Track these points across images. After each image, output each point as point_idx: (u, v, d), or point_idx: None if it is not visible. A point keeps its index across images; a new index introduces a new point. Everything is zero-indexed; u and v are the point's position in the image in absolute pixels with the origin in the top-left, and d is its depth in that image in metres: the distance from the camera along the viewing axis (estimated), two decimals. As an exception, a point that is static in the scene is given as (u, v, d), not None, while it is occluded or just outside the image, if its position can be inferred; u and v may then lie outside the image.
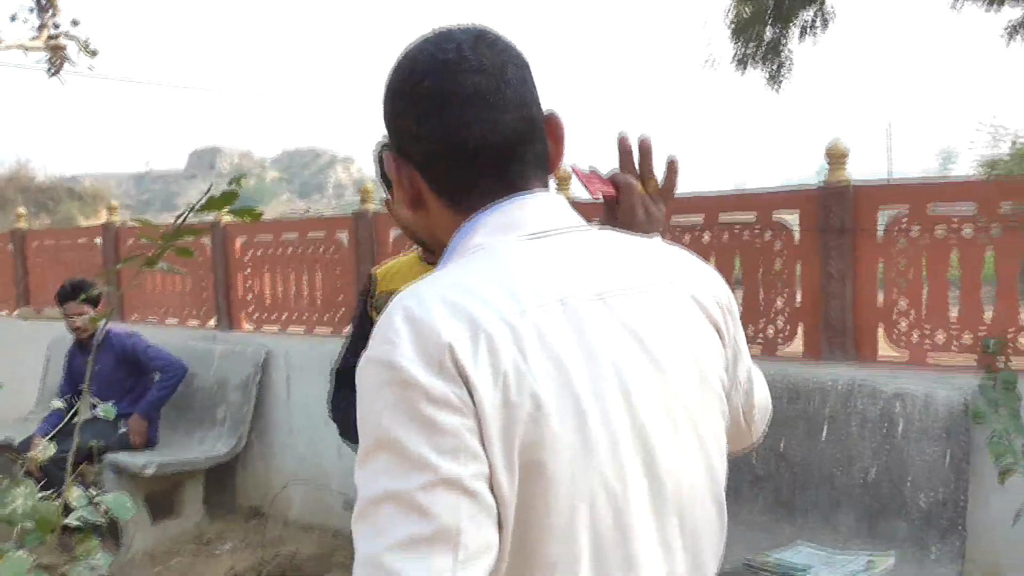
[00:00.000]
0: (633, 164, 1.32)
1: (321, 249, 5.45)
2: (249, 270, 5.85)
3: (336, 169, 76.66)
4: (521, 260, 1.00)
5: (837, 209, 3.81)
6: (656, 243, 1.14)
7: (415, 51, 1.06)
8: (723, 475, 1.09)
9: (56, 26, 12.66)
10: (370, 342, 0.93)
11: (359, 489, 0.89)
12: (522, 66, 1.07)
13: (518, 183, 1.05)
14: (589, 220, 1.11)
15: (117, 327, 5.54)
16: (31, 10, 12.34)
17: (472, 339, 0.90)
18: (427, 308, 0.92)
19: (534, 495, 0.90)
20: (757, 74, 11.32)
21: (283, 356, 5.49)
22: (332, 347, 5.27)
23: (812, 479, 3.58)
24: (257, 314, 5.83)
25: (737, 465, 3.54)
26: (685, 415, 1.02)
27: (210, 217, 5.88)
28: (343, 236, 5.33)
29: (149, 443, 5.30)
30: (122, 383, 5.23)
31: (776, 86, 11.39)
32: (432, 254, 1.23)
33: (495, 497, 0.88)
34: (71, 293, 5.16)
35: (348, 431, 2.37)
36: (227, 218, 5.93)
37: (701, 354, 1.06)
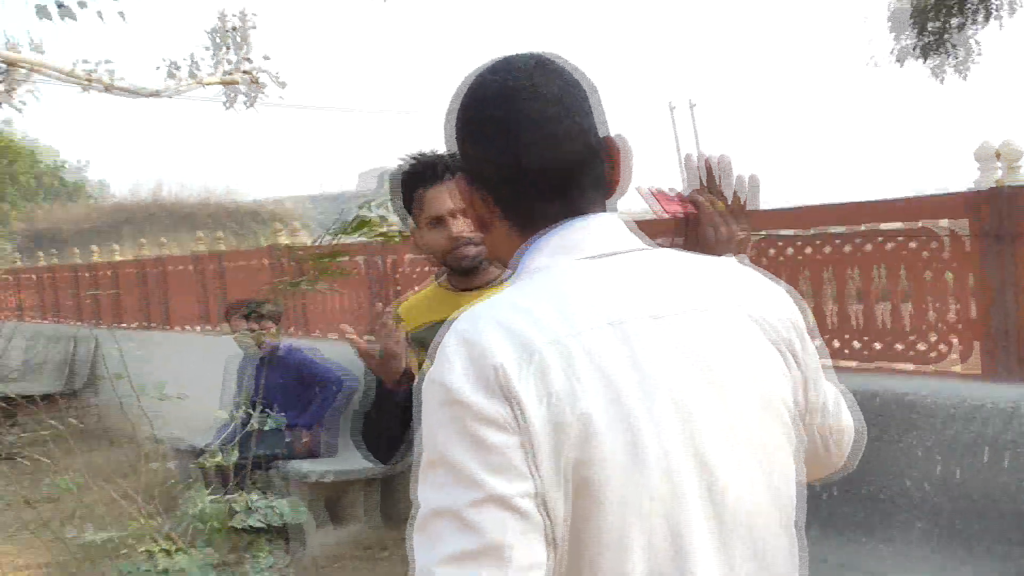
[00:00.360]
0: (705, 183, 1.33)
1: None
2: (399, 288, 6.09)
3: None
4: (577, 282, 1.03)
5: (1010, 213, 3.56)
6: (721, 263, 1.15)
7: (481, 78, 1.11)
8: (792, 505, 1.07)
9: (249, 60, 13.62)
10: (428, 363, 0.99)
11: (419, 503, 0.95)
12: (581, 92, 1.11)
13: (578, 206, 1.09)
14: (657, 239, 1.13)
15: (291, 342, 5.89)
16: (222, 49, 13.34)
17: (522, 360, 0.94)
18: (480, 330, 0.97)
19: (587, 512, 0.93)
20: (922, 67, 10.88)
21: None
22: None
23: (974, 506, 3.35)
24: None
25: (891, 489, 3.35)
26: (748, 441, 1.01)
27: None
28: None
29: (311, 453, 5.59)
30: (294, 395, 5.54)
31: (961, 74, 10.92)
32: (461, 279, 1.41)
33: (547, 515, 0.92)
34: (246, 310, 5.55)
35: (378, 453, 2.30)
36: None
37: (763, 377, 1.04)
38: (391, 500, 5.73)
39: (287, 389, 5.51)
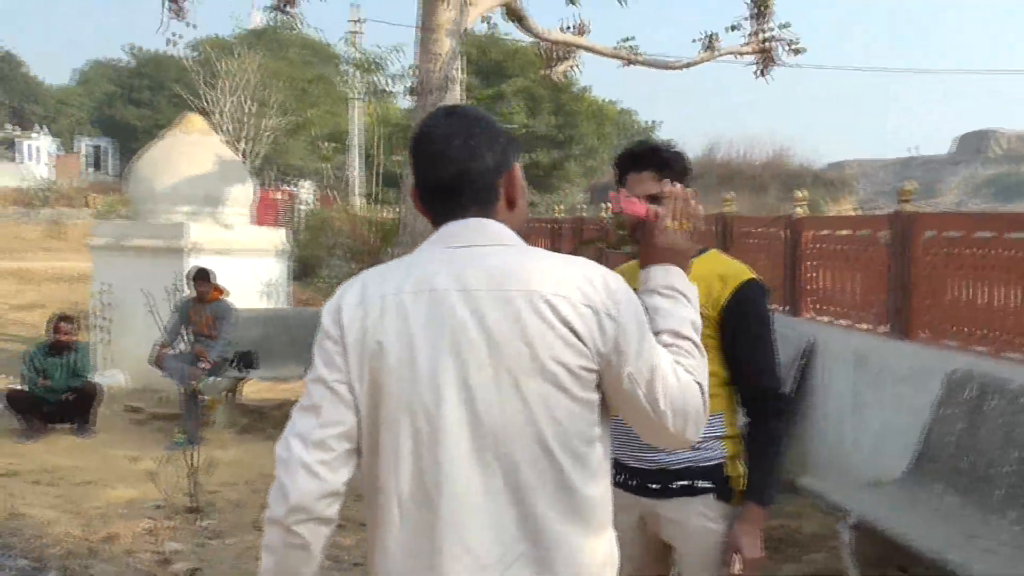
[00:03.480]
0: (678, 207, 1.84)
1: (863, 247, 5.61)
2: (813, 262, 6.25)
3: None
4: (425, 261, 1.59)
5: None
6: (550, 259, 1.58)
7: (420, 123, 1.69)
8: (549, 428, 1.50)
9: (769, 30, 14.12)
10: None
11: None
12: (479, 134, 1.61)
13: (457, 212, 1.61)
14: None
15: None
16: (746, 19, 13.99)
17: (356, 304, 1.57)
18: (351, 283, 1.62)
19: (376, 401, 1.53)
20: None
21: (824, 345, 5.82)
22: (860, 341, 5.46)
23: None
24: (815, 304, 6.23)
25: None
26: (509, 379, 1.50)
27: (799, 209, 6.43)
28: (881, 234, 5.42)
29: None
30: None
31: None
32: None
33: (352, 394, 1.54)
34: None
35: None
36: (801, 211, 6.43)
37: (539, 343, 1.49)
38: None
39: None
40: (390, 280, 1.57)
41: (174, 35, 22.61)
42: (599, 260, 1.72)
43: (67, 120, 47.57)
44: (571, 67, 14.80)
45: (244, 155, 29.76)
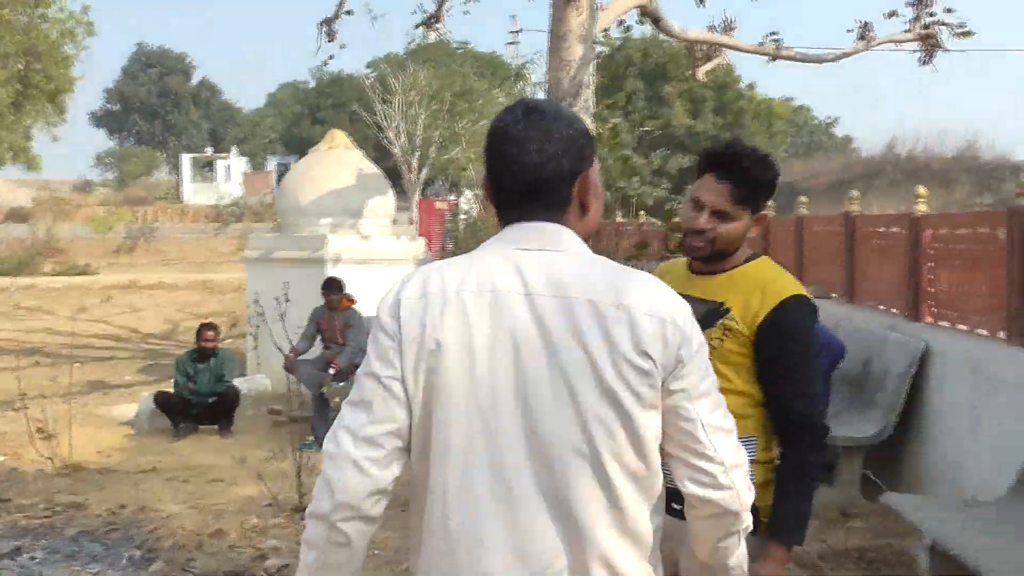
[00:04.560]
0: None
1: (983, 245, 5.16)
2: (932, 264, 5.82)
3: None
4: (489, 260, 1.54)
5: None
6: (615, 269, 1.55)
7: (495, 118, 1.62)
8: (604, 443, 1.46)
9: (931, 15, 13.25)
10: None
11: None
12: (550, 136, 1.55)
13: (528, 215, 1.57)
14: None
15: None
16: (908, 4, 13.19)
17: (417, 299, 1.52)
18: (411, 276, 1.57)
19: (430, 400, 1.50)
20: None
21: (941, 353, 5.40)
22: (977, 347, 5.02)
23: None
24: (935, 308, 5.79)
25: None
26: (566, 388, 1.46)
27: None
28: (1000, 233, 4.97)
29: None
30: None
31: None
32: (696, 262, 2.29)
33: (406, 392, 1.50)
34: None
35: None
36: (922, 208, 5.99)
37: (597, 351, 1.45)
38: (876, 469, 5.70)
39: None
40: (452, 277, 1.53)
41: (329, 57, 23.44)
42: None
43: (259, 141, 50.90)
44: (718, 65, 14.47)
45: (411, 168, 30.89)
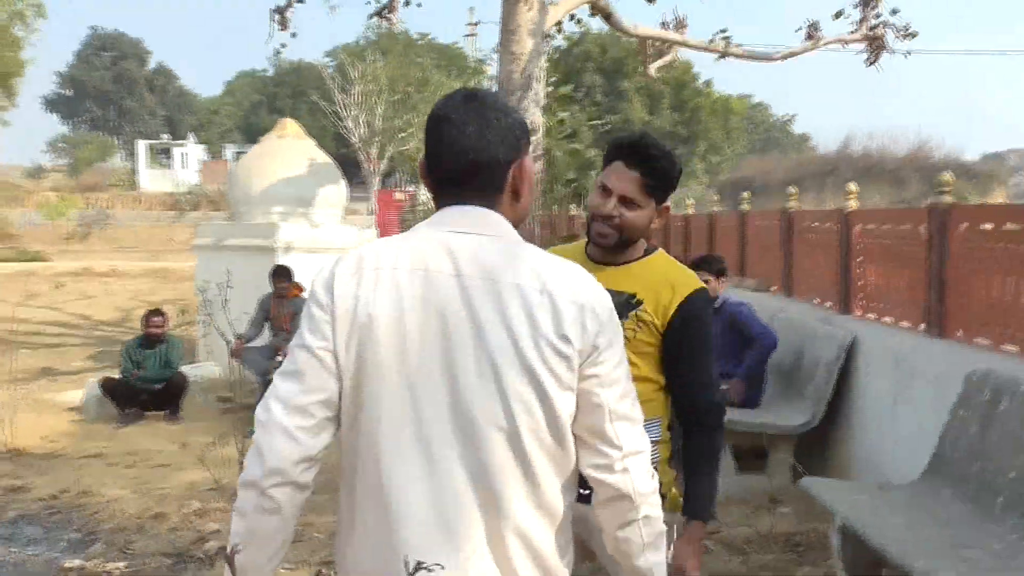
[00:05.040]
0: None
1: (905, 240, 5.36)
2: (861, 258, 6.02)
3: None
4: (421, 241, 1.60)
5: None
6: (542, 255, 1.62)
7: (438, 102, 1.67)
8: (524, 421, 1.52)
9: (877, 15, 13.55)
10: None
11: None
12: (488, 123, 1.61)
13: (461, 199, 1.63)
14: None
15: (733, 297, 6.39)
16: (855, 6, 13.47)
17: (350, 274, 1.58)
18: (349, 254, 1.62)
19: (360, 372, 1.55)
20: None
21: (867, 344, 5.60)
22: (899, 340, 5.23)
23: None
24: (863, 301, 5.99)
25: None
26: (490, 368, 1.52)
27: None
28: (921, 228, 5.17)
29: (749, 403, 6.04)
30: (728, 347, 6.07)
31: None
32: (598, 251, 2.33)
33: (337, 363, 1.55)
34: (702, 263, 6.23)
35: None
36: (853, 204, 6.20)
37: (521, 334, 1.52)
38: (805, 457, 5.88)
39: (723, 340, 6.04)
40: (387, 254, 1.59)
41: (282, 45, 23.22)
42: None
43: (216, 129, 50.33)
44: (671, 62, 14.67)
45: (369, 158, 30.78)
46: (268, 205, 10.71)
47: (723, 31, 12.75)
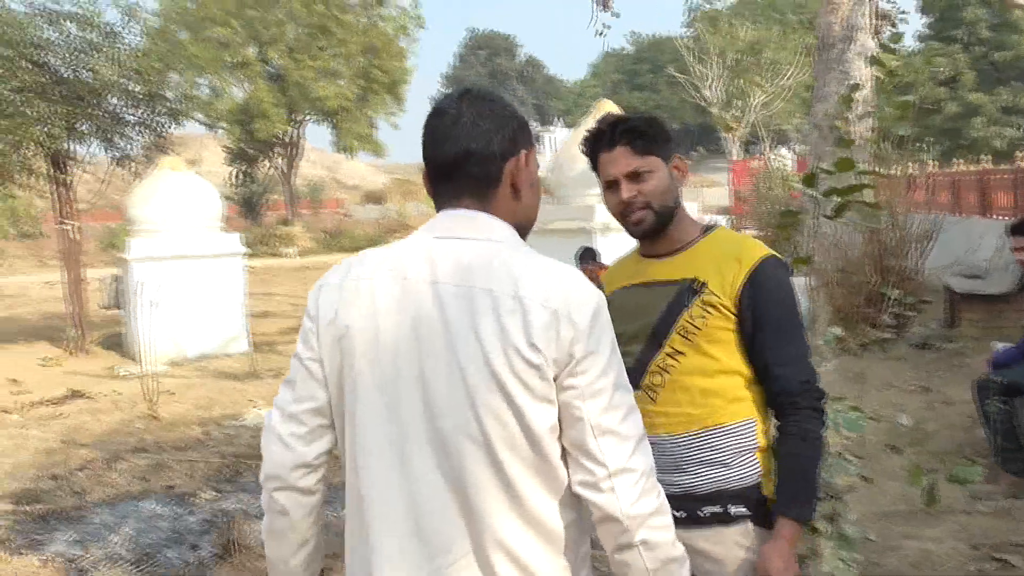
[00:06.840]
0: None
1: None
2: None
3: None
4: (407, 249, 1.58)
5: None
6: (527, 258, 1.54)
7: (437, 99, 1.68)
8: (495, 430, 1.47)
9: None
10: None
11: None
12: (482, 115, 1.59)
13: (454, 197, 1.60)
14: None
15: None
16: None
17: (334, 286, 1.60)
18: (339, 265, 1.64)
19: (342, 382, 1.57)
20: None
21: None
22: None
23: None
24: None
25: None
26: (459, 375, 1.48)
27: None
28: None
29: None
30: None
31: None
32: (645, 245, 2.20)
33: (323, 370, 1.58)
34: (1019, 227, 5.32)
35: None
36: None
37: (488, 340, 1.47)
38: None
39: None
40: (372, 263, 1.59)
41: (604, 26, 23.41)
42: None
43: (582, 112, 52.28)
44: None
45: (727, 128, 30.12)
46: (585, 188, 10.95)
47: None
